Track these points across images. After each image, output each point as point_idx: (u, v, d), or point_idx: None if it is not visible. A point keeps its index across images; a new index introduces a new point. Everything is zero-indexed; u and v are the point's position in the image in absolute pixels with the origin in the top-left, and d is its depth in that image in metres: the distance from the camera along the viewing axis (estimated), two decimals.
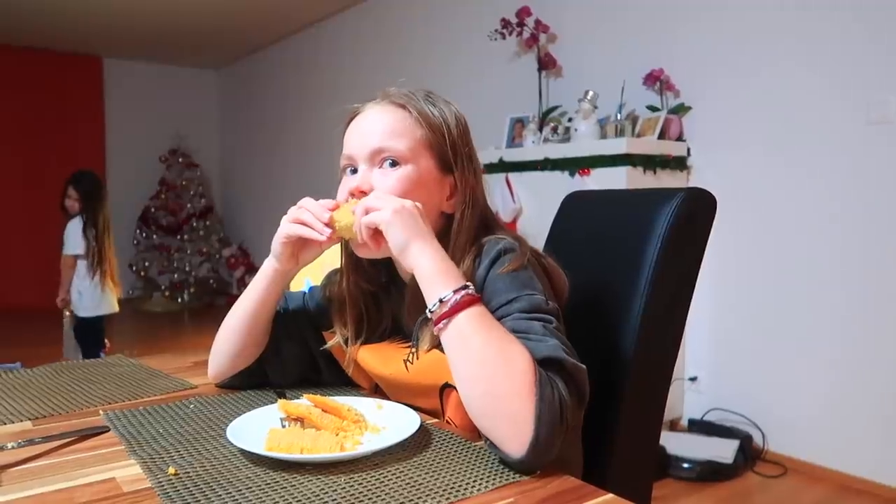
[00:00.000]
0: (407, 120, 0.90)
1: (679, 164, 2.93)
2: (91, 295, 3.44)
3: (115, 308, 3.56)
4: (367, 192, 0.87)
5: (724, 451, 2.55)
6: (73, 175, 3.53)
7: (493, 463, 0.71)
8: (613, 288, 1.00)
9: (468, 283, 0.77)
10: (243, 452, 0.73)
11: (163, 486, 0.66)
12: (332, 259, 1.00)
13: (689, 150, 2.98)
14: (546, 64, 3.53)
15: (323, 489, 0.64)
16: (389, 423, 0.81)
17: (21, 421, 0.89)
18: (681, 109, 2.99)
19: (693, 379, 2.97)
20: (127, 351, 1.56)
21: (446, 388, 0.86)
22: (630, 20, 3.25)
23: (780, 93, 2.67)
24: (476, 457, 0.73)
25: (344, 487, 0.65)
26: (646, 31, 3.17)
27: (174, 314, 6.67)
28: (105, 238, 3.46)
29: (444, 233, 0.89)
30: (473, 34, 3.97)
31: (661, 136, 2.91)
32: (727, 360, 2.89)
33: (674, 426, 2.99)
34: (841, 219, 2.50)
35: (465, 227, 0.89)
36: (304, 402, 0.83)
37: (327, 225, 0.85)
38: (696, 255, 1.01)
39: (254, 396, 0.99)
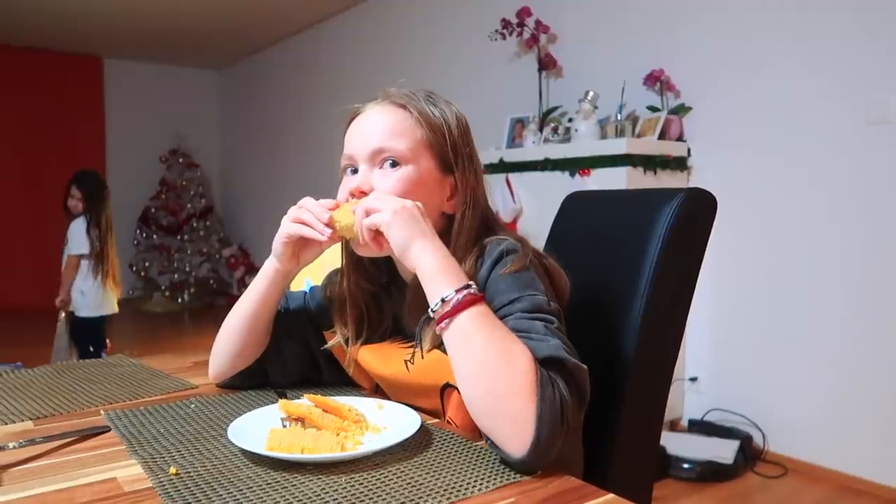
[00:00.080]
0: (407, 120, 0.90)
1: (679, 164, 2.93)
2: (94, 295, 3.42)
3: (116, 309, 3.55)
4: (368, 192, 0.87)
5: (724, 451, 2.55)
6: (75, 175, 3.48)
7: (493, 463, 0.71)
8: (614, 288, 1.00)
9: (471, 283, 0.77)
10: (244, 452, 0.73)
11: (164, 485, 0.66)
12: (332, 259, 1.00)
13: (689, 150, 2.98)
14: (546, 64, 3.53)
15: (324, 489, 0.64)
16: (390, 423, 0.81)
17: (22, 421, 0.89)
18: (681, 110, 2.99)
19: (693, 379, 2.97)
20: (127, 351, 1.56)
21: (447, 388, 0.86)
22: (630, 20, 3.25)
23: (780, 93, 2.67)
24: (477, 457, 0.73)
25: (345, 487, 0.65)
26: (646, 32, 3.17)
27: (174, 314, 6.67)
28: (108, 238, 3.44)
29: (445, 233, 0.89)
30: (473, 34, 3.97)
31: (662, 136, 2.91)
32: (727, 361, 2.89)
33: (674, 426, 2.99)
34: (841, 219, 2.50)
35: (466, 228, 0.89)
36: (305, 402, 0.83)
37: (328, 225, 0.85)
38: (697, 255, 1.01)
39: (254, 396, 0.99)
